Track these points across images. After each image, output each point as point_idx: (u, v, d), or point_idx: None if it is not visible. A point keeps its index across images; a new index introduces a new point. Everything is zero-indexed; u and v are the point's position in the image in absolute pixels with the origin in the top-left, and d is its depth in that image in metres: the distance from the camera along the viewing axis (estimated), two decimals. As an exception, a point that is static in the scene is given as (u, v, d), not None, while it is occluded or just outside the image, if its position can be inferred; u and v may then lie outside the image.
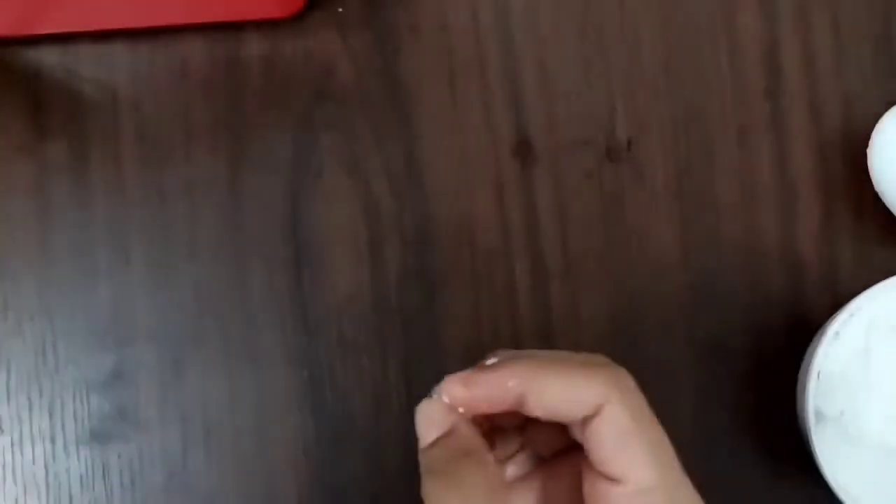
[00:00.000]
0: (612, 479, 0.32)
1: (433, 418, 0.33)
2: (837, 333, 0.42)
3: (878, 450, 0.41)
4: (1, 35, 0.46)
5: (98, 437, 0.46)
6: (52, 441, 0.46)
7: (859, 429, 0.41)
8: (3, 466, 0.46)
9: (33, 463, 0.46)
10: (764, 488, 0.46)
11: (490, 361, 0.34)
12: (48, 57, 0.47)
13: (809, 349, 0.44)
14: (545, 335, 0.47)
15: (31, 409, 0.46)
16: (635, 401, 0.33)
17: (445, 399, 0.33)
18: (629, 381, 0.33)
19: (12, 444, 0.46)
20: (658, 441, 0.33)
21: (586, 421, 0.32)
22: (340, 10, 0.48)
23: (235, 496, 0.46)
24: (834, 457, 0.41)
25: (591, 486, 0.33)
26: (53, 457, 0.46)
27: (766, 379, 0.46)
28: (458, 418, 0.33)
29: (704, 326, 0.47)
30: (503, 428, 0.36)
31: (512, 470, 0.36)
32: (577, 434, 0.33)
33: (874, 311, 0.42)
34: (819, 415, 0.42)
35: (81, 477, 0.46)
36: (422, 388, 0.46)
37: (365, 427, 0.46)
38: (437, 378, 0.46)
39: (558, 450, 0.36)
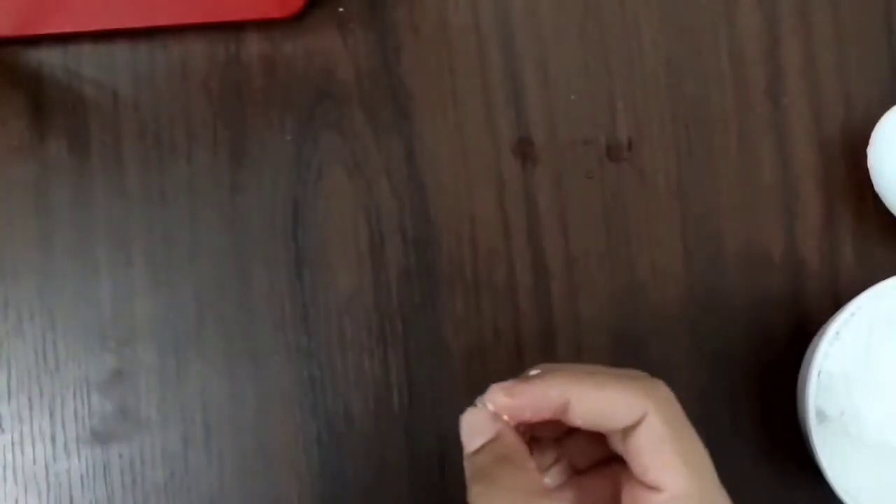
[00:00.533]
0: (651, 488, 0.33)
1: (478, 426, 0.35)
2: (838, 333, 0.42)
3: (878, 449, 0.41)
4: (2, 35, 0.46)
5: (99, 436, 0.46)
6: (53, 440, 0.46)
7: (860, 428, 0.41)
8: (4, 466, 0.46)
9: (34, 462, 0.46)
10: (764, 488, 0.46)
11: (533, 372, 0.35)
12: (49, 57, 0.47)
13: (810, 349, 0.44)
14: (545, 335, 0.47)
15: (31, 409, 0.46)
16: (673, 411, 0.34)
17: (490, 407, 0.34)
18: (668, 393, 0.34)
19: (13, 444, 0.46)
20: (695, 450, 0.34)
21: (626, 431, 0.33)
22: (341, 9, 0.48)
23: (236, 496, 0.46)
24: (834, 456, 0.41)
25: (630, 495, 0.34)
26: (54, 456, 0.46)
27: (767, 378, 0.46)
28: (503, 426, 0.34)
29: (705, 326, 0.47)
30: (540, 439, 0.37)
31: (548, 480, 0.37)
32: (615, 444, 0.35)
33: (875, 310, 0.42)
34: (820, 414, 0.42)
35: (82, 476, 0.46)
36: (423, 387, 0.46)
37: (365, 427, 0.46)
38: (438, 378, 0.46)
39: (594, 461, 0.37)
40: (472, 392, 0.46)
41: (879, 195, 0.45)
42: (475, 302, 0.47)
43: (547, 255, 0.47)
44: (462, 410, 0.46)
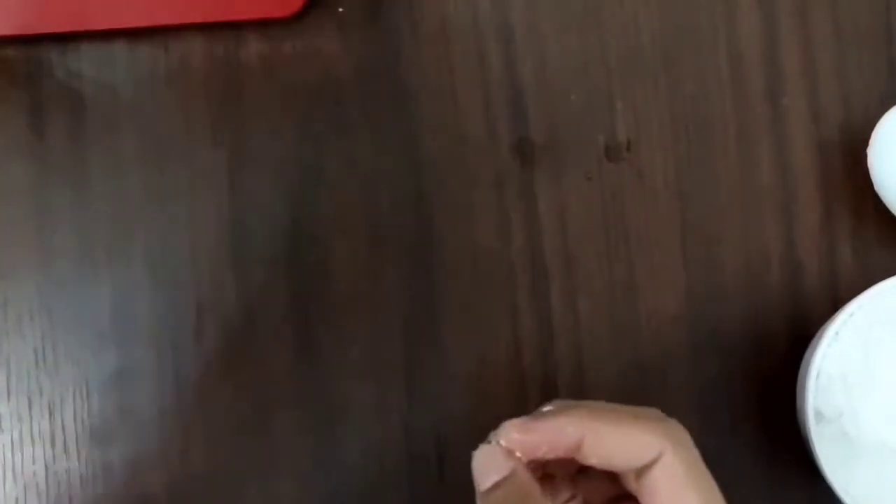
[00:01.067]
0: None
1: (492, 463, 0.34)
2: (837, 334, 0.42)
3: (877, 450, 0.41)
4: (2, 34, 0.46)
5: (98, 436, 0.46)
6: (52, 441, 0.46)
7: (859, 429, 0.41)
8: (3, 466, 0.46)
9: (33, 462, 0.46)
10: (764, 488, 0.46)
11: (547, 409, 0.35)
12: (48, 56, 0.47)
13: (809, 349, 0.44)
14: (544, 335, 0.47)
15: (30, 409, 0.46)
16: (690, 454, 0.34)
17: (503, 443, 0.34)
18: (684, 435, 0.34)
19: (12, 444, 0.46)
20: (710, 493, 0.34)
21: (641, 471, 0.33)
22: (340, 9, 0.48)
23: (236, 496, 0.46)
24: (834, 457, 0.41)
25: None
26: (53, 457, 0.46)
27: (767, 378, 0.46)
28: (516, 463, 0.34)
29: (704, 326, 0.47)
30: (554, 476, 0.37)
31: None
32: (629, 484, 0.34)
33: (874, 311, 0.42)
34: (819, 415, 0.42)
35: (82, 476, 0.46)
36: (422, 387, 0.46)
37: (365, 427, 0.46)
38: (437, 378, 0.46)
39: (608, 499, 0.36)
40: (472, 392, 0.46)
41: (879, 195, 0.45)
42: (475, 302, 0.47)
43: (546, 255, 0.47)
44: (461, 411, 0.46)
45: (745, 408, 0.46)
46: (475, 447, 0.45)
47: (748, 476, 0.46)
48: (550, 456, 0.34)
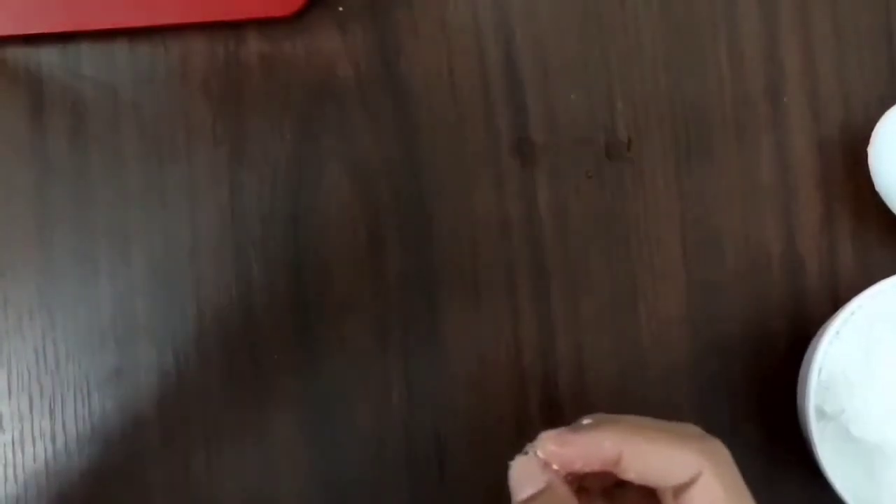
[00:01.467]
0: None
1: (528, 475, 0.34)
2: (838, 332, 0.42)
3: (878, 448, 0.41)
4: (1, 34, 0.46)
5: (98, 435, 0.46)
6: (53, 440, 0.46)
7: (860, 427, 0.41)
8: (5, 465, 0.46)
9: (34, 461, 0.46)
10: (764, 487, 0.46)
11: (586, 421, 0.35)
12: (49, 56, 0.47)
13: (810, 348, 0.44)
14: (544, 335, 0.47)
15: (31, 408, 0.46)
16: (729, 473, 0.34)
17: (541, 455, 0.34)
18: (724, 454, 0.34)
19: (13, 443, 0.46)
20: None
21: (679, 489, 0.33)
22: (341, 9, 0.48)
23: (236, 496, 0.46)
24: (835, 455, 0.41)
25: None
26: (54, 456, 0.46)
27: (767, 378, 0.46)
28: (553, 475, 0.34)
29: (704, 326, 0.47)
30: (589, 489, 0.36)
31: None
32: (667, 501, 0.34)
33: (875, 309, 0.42)
34: (820, 413, 0.42)
35: (82, 476, 0.46)
36: (422, 387, 0.46)
37: (365, 427, 0.46)
38: (438, 378, 0.46)
39: None
40: (472, 392, 0.46)
41: (879, 195, 0.45)
42: (474, 302, 0.47)
43: (546, 255, 0.47)
44: (461, 411, 0.46)
45: (745, 408, 0.46)
46: (475, 447, 0.45)
47: (748, 476, 0.46)
48: (587, 469, 0.34)
